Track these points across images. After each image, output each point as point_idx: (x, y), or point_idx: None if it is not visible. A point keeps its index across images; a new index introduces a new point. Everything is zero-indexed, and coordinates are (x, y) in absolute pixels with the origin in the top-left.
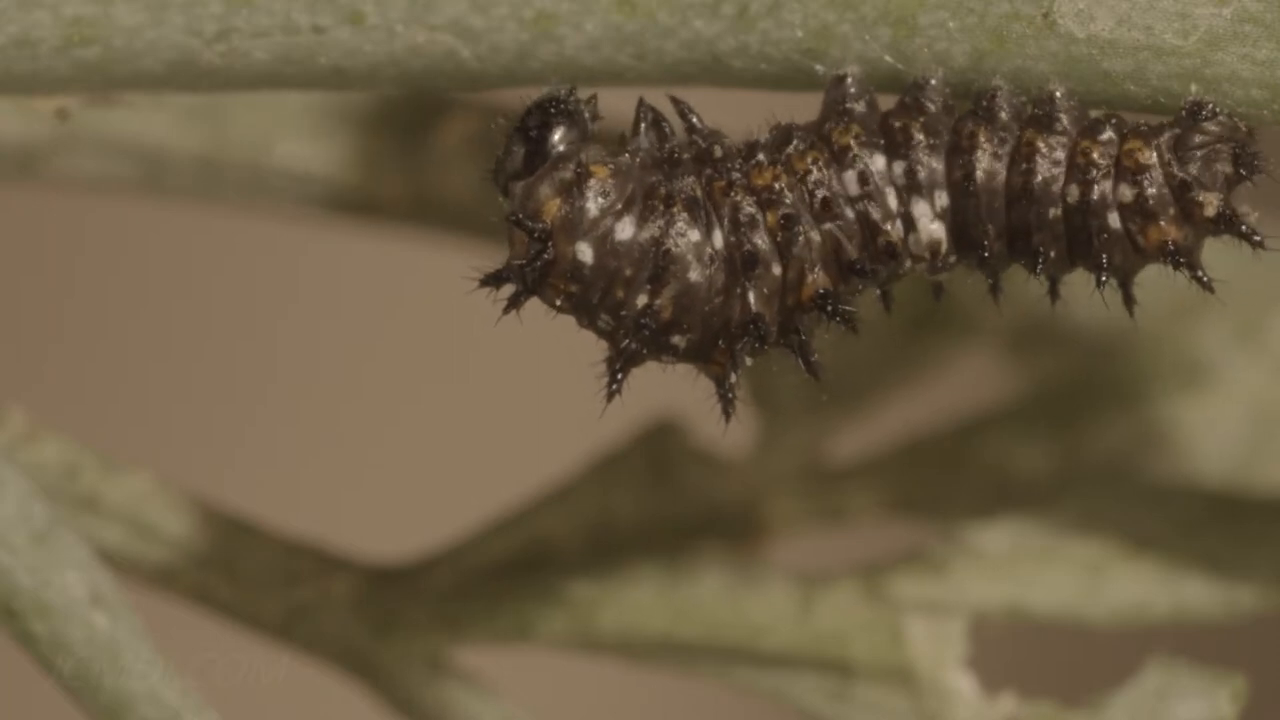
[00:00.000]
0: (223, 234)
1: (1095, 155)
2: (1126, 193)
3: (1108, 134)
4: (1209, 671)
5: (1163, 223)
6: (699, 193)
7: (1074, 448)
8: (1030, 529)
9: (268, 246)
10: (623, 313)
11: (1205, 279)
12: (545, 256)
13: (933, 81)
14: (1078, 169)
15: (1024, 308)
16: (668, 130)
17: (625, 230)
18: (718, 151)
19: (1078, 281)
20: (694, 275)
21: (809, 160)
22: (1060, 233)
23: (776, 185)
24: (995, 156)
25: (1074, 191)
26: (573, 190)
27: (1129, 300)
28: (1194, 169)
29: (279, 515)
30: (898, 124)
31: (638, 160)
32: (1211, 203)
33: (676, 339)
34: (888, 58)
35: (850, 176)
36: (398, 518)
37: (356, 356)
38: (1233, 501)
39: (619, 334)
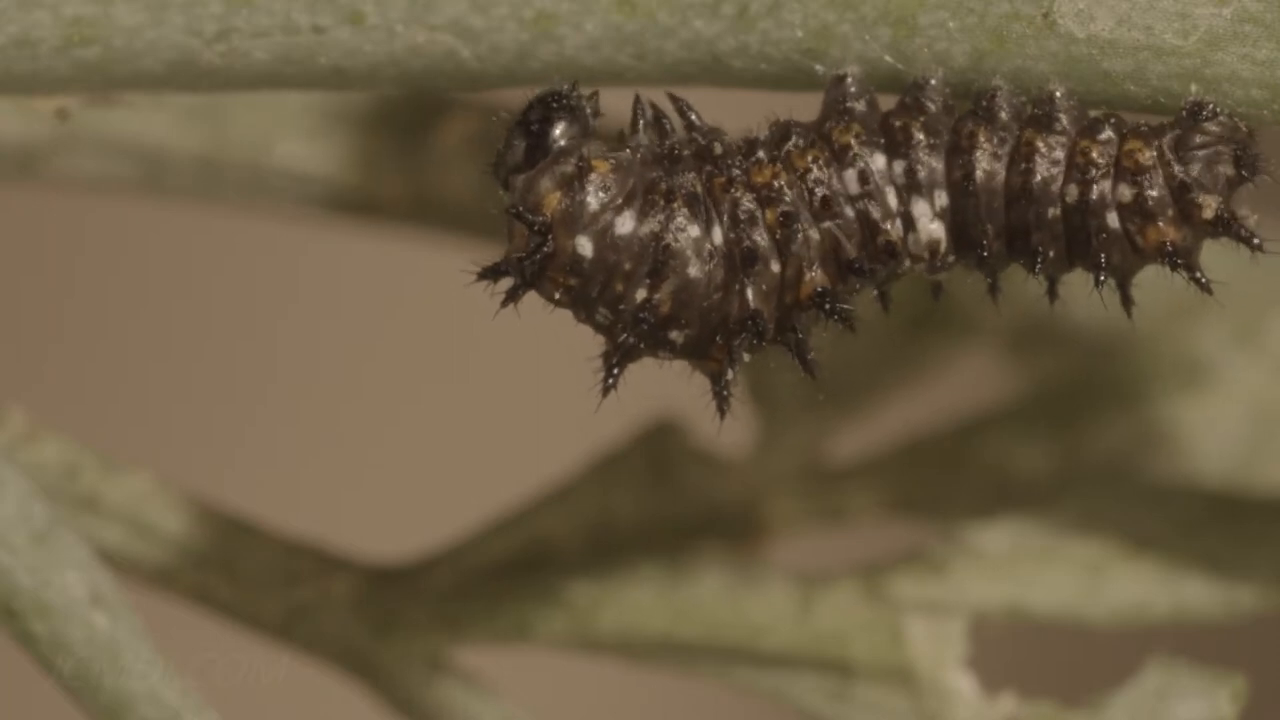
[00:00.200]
0: (223, 234)
1: (1094, 155)
2: (1126, 193)
3: (1107, 134)
4: (1209, 671)
5: (1161, 223)
6: (699, 189)
7: (1074, 448)
8: (1030, 529)
9: (268, 246)
10: (621, 307)
11: (1203, 280)
12: (545, 249)
13: (933, 81)
14: (1077, 169)
15: (1023, 307)
16: (668, 127)
17: (625, 224)
18: (717, 149)
19: (1077, 282)
20: (693, 270)
21: (809, 158)
22: (1059, 232)
23: (776, 183)
24: (995, 156)
25: (1073, 191)
26: (573, 184)
27: (1127, 301)
28: (1194, 170)
29: (279, 515)
30: (898, 123)
31: (638, 156)
32: (1210, 205)
33: (674, 334)
34: (888, 58)
35: (850, 175)
36: (398, 518)
37: (356, 356)
38: (1233, 501)
39: (617, 328)
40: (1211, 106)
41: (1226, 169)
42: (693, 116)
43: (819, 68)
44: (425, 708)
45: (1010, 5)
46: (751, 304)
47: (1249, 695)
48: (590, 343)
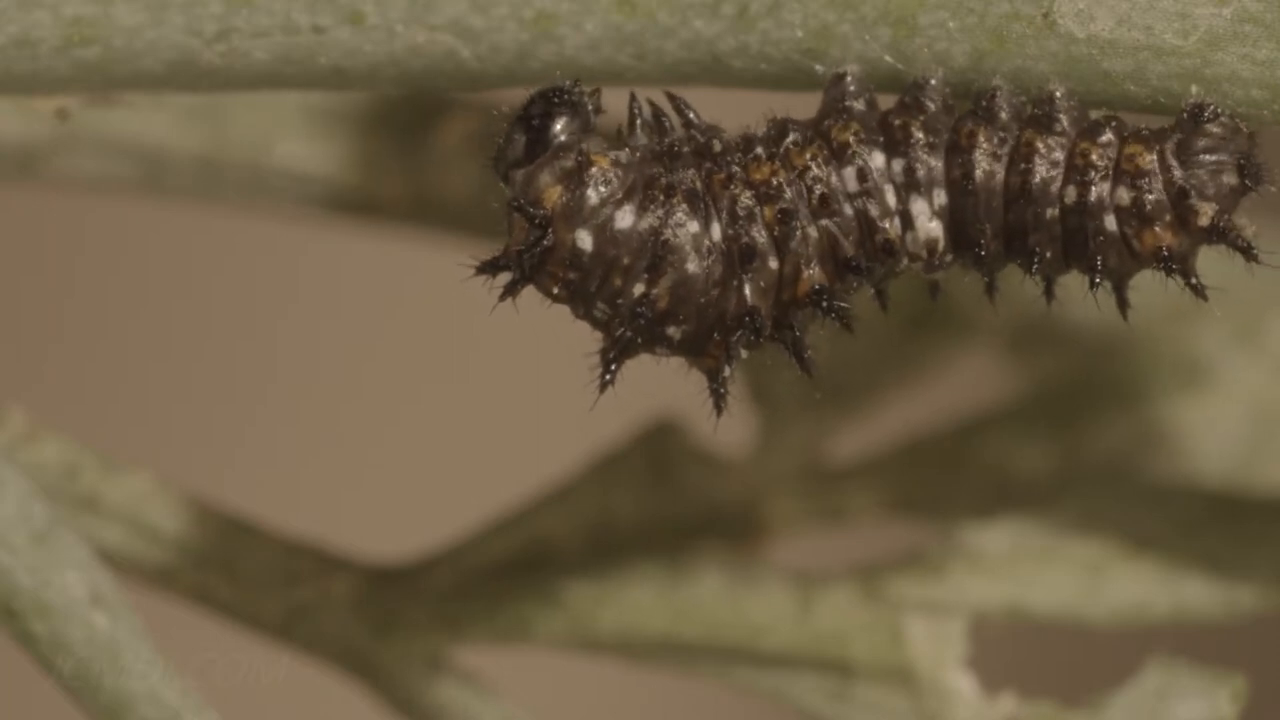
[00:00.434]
0: (223, 234)
1: (1094, 157)
2: (1124, 196)
3: (1107, 136)
4: (1209, 672)
5: (1158, 228)
6: (698, 185)
7: (1074, 448)
8: (1030, 529)
9: (268, 246)
10: (619, 301)
11: (1199, 286)
12: (544, 243)
13: (933, 81)
14: (1076, 170)
15: (1023, 307)
16: (666, 125)
17: (625, 219)
18: (716, 146)
19: (1075, 282)
20: (691, 266)
21: (807, 156)
22: (1057, 234)
23: (775, 180)
24: (994, 156)
25: (1071, 193)
26: (574, 178)
27: (1123, 304)
28: (1194, 177)
29: (279, 515)
30: (897, 122)
31: (638, 154)
32: (1207, 212)
33: (672, 330)
34: (888, 58)
35: (849, 173)
36: (398, 518)
37: (356, 357)
38: (1232, 501)
39: (614, 324)
40: (1212, 108)
41: (1231, 179)
42: (690, 114)
43: (819, 68)
44: (425, 708)
45: (1010, 5)
46: (749, 301)
47: (1249, 695)
48: (589, 342)
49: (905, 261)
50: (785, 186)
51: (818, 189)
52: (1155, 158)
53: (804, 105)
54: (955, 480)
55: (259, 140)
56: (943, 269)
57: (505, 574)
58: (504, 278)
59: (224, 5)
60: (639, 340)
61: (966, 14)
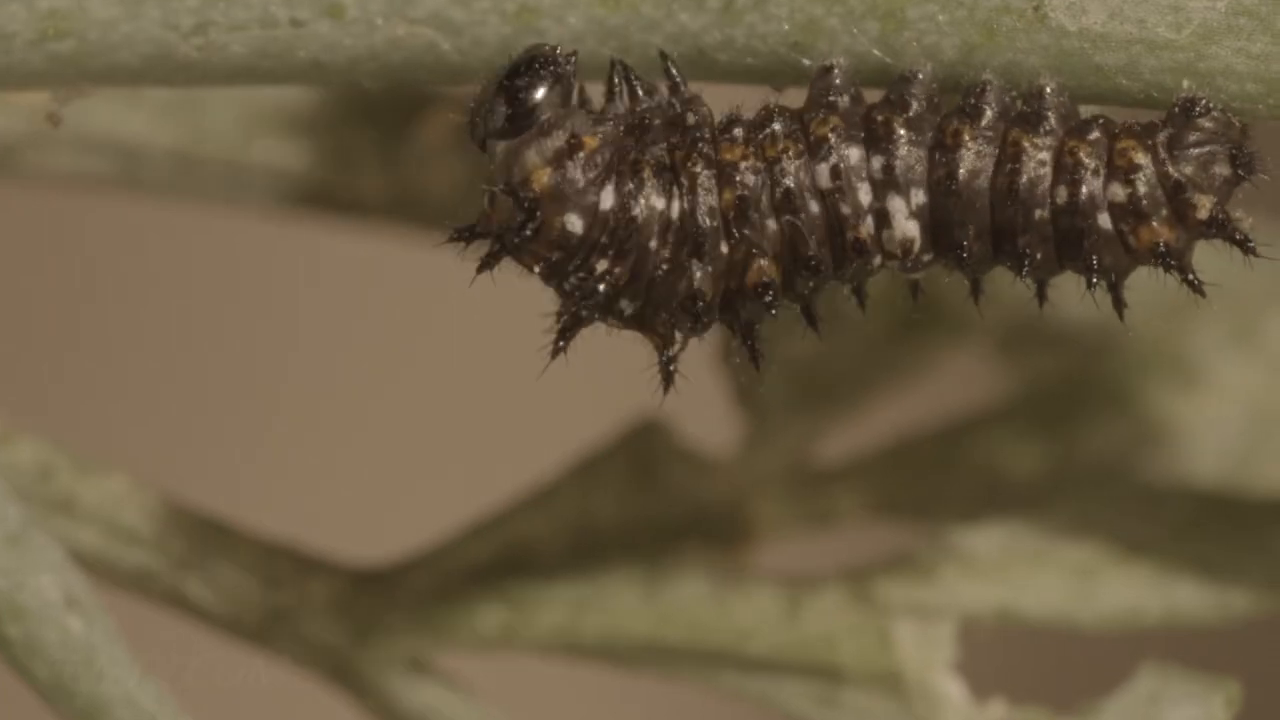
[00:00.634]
0: (199, 230)
1: (1083, 155)
2: (1119, 192)
3: (1096, 133)
4: (1202, 676)
5: (1155, 224)
6: (666, 159)
7: (1065, 449)
8: (1021, 531)
9: (245, 243)
10: (585, 275)
11: (1196, 281)
12: (532, 226)
13: (920, 76)
14: (1065, 169)
15: (1014, 307)
16: (640, 93)
17: (607, 200)
18: (690, 119)
19: (1068, 280)
20: (653, 243)
21: (779, 148)
22: (1048, 234)
23: (742, 164)
24: (979, 155)
25: (1062, 192)
26: (563, 161)
27: (1119, 303)
28: (1189, 169)
29: (257, 517)
30: (880, 118)
31: (618, 125)
32: (1205, 205)
33: (624, 303)
34: (876, 51)
35: (823, 169)
36: (377, 520)
37: (334, 357)
38: (1226, 504)
39: (576, 295)
40: (1204, 102)
41: (1223, 169)
42: (678, 80)
43: (806, 61)
44: (404, 712)
45: None
46: (695, 283)
47: (1243, 701)
48: (577, 344)
49: (878, 260)
50: (750, 173)
51: (786, 182)
52: (1148, 152)
53: (797, 101)
54: (945, 482)
55: (237, 135)
56: (920, 269)
57: (486, 577)
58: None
59: None
60: (595, 313)
61: (956, 7)
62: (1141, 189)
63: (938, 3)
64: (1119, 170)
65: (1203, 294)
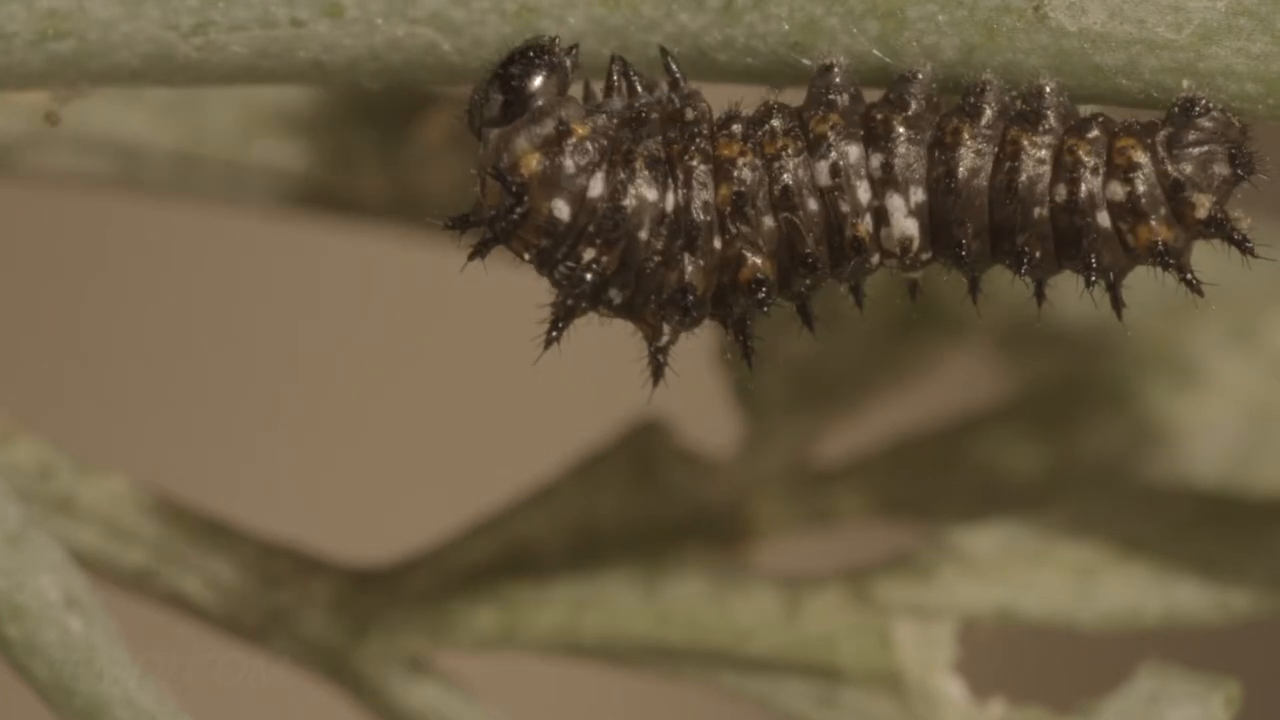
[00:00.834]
0: (199, 230)
1: (1082, 153)
2: (1118, 191)
3: (1095, 132)
4: (1202, 676)
5: (1153, 222)
6: (661, 153)
7: (1065, 449)
8: (1020, 531)
9: (245, 243)
10: (573, 263)
11: (1194, 281)
12: (520, 210)
13: (920, 76)
14: (1065, 167)
15: (1013, 307)
16: (639, 88)
17: (596, 188)
18: (689, 114)
19: (1067, 280)
20: (643, 234)
21: (778, 145)
22: (1047, 232)
23: (739, 161)
24: (978, 154)
25: (1061, 190)
26: (553, 146)
27: (1117, 302)
28: (1188, 168)
29: (256, 517)
30: (879, 116)
31: (613, 118)
32: (1204, 204)
33: (613, 292)
34: (876, 51)
35: (822, 167)
36: (378, 520)
37: (335, 356)
38: (1226, 504)
39: (567, 285)
40: (1204, 102)
41: (1222, 169)
42: (678, 76)
43: (806, 61)
44: (404, 712)
45: None
46: (687, 277)
47: (1243, 701)
48: (574, 342)
49: (877, 259)
50: (748, 170)
51: (783, 179)
52: (1147, 151)
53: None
54: (944, 482)
55: (236, 135)
56: (919, 268)
57: (486, 577)
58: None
59: None
60: (585, 303)
61: (956, 7)
62: (1140, 188)
63: (938, 3)
64: (1118, 169)
65: (1200, 293)
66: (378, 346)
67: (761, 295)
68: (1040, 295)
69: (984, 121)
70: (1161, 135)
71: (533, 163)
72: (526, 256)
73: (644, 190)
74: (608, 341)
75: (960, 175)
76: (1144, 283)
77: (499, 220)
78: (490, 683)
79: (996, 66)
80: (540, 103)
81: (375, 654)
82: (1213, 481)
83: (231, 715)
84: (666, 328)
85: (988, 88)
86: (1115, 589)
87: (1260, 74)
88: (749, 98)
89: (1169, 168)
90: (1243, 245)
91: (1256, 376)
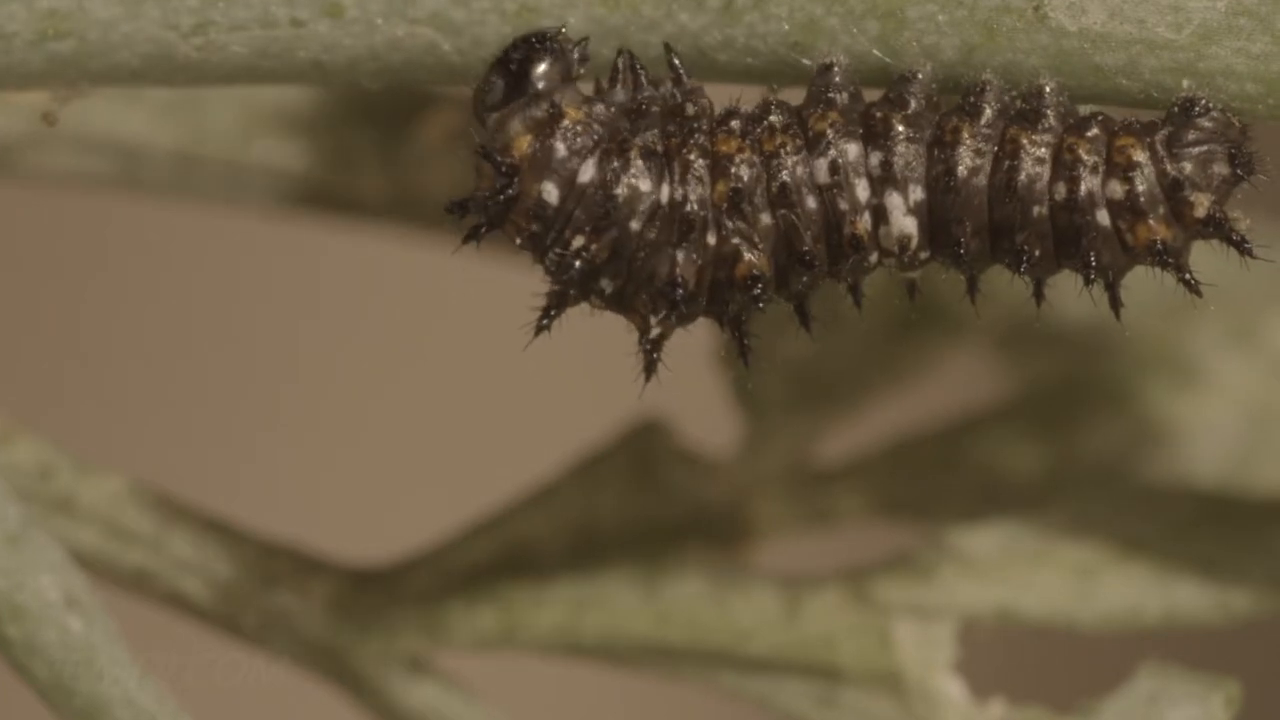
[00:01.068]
0: (200, 230)
1: (1082, 152)
2: (1117, 189)
3: (1094, 130)
4: (1202, 677)
5: (1152, 221)
6: (659, 146)
7: (1065, 449)
8: (1020, 531)
9: (245, 243)
10: (562, 249)
11: (1192, 281)
12: (509, 191)
13: (919, 75)
14: (1064, 166)
15: (1013, 306)
16: (644, 80)
17: (586, 173)
18: (690, 109)
19: (1066, 280)
20: (634, 224)
21: (777, 143)
22: (1046, 231)
23: (737, 157)
24: (978, 153)
25: (1061, 189)
26: (544, 129)
27: (1116, 302)
28: (1187, 168)
29: (256, 517)
30: (879, 114)
31: (612, 108)
32: (1202, 203)
33: (604, 282)
34: (876, 51)
35: (822, 164)
36: (378, 519)
37: (335, 356)
38: (1227, 504)
39: (558, 271)
40: (1204, 102)
41: (1222, 168)
42: (681, 72)
43: (806, 61)
44: (404, 712)
45: None
46: (678, 270)
47: (1243, 701)
48: (573, 342)
49: (876, 257)
50: (745, 166)
51: (781, 176)
52: (1146, 150)
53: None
54: (944, 482)
55: (236, 135)
56: (917, 267)
57: (486, 577)
58: (493, 271)
59: None
60: (574, 289)
61: (956, 7)
62: (1139, 186)
63: (938, 3)
64: (1117, 167)
65: (1199, 294)
66: (378, 346)
67: (757, 292)
68: (1039, 295)
69: (984, 120)
70: (1161, 134)
71: (524, 144)
72: (519, 241)
73: (637, 181)
74: (607, 341)
75: (960, 174)
76: (1143, 283)
77: (489, 202)
78: (490, 683)
79: (996, 66)
80: (540, 87)
81: (375, 654)
82: (1213, 481)
83: (231, 715)
84: (655, 320)
85: (987, 87)
86: (1115, 589)
87: (1260, 74)
88: (749, 98)
89: (1168, 167)
90: (1241, 246)
91: (1256, 376)
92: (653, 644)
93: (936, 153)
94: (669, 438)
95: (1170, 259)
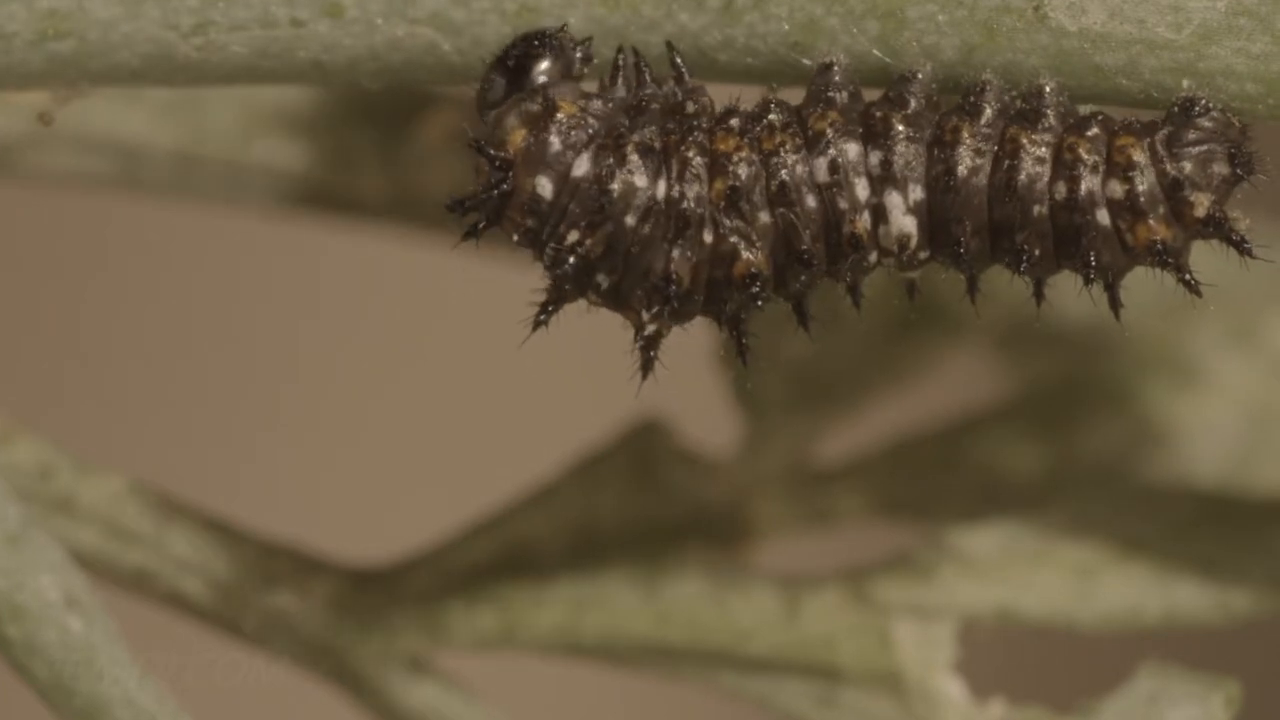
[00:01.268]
0: (200, 231)
1: (1082, 151)
2: (1117, 189)
3: (1095, 130)
4: (1202, 677)
5: (1152, 221)
6: (657, 143)
7: (1065, 449)
8: (1020, 531)
9: (245, 243)
10: (558, 245)
11: (1192, 281)
12: (504, 186)
13: (919, 75)
14: (1064, 165)
15: (1013, 306)
16: (646, 77)
17: (581, 168)
18: (690, 107)
19: (1066, 280)
20: (630, 219)
21: (777, 141)
22: (1046, 231)
23: (736, 156)
24: (978, 152)
25: (1061, 188)
26: (539, 123)
27: (1115, 302)
28: (1187, 167)
29: (257, 518)
30: (879, 114)
31: (610, 104)
32: (1202, 203)
33: (600, 277)
34: (876, 51)
35: (821, 163)
36: (378, 520)
37: (336, 356)
38: (1226, 504)
39: (552, 266)
40: (1204, 102)
41: (1222, 168)
42: (682, 70)
43: (806, 61)
44: (404, 712)
45: None
46: (672, 267)
47: (1243, 701)
48: (573, 342)
49: (875, 257)
50: (744, 165)
51: (779, 175)
52: (1146, 150)
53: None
54: (944, 482)
55: (236, 135)
56: (917, 266)
57: (486, 577)
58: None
59: None
60: (570, 284)
61: (956, 7)
62: (1139, 186)
63: (938, 3)
64: (1117, 167)
65: (1199, 294)
66: (378, 346)
67: (755, 290)
68: (1039, 295)
69: (984, 120)
70: (1161, 134)
71: (518, 139)
72: (515, 238)
73: (633, 176)
74: (607, 341)
75: (959, 173)
76: (1143, 283)
77: (484, 197)
78: (490, 683)
79: (996, 66)
80: (538, 83)
81: (375, 654)
82: (1213, 481)
83: (231, 715)
84: (649, 316)
85: (987, 87)
86: (1115, 589)
87: (1260, 74)
88: (748, 97)
89: (1168, 166)
90: (1241, 246)
91: (1256, 376)
92: (653, 644)
93: (936, 152)
94: (669, 438)
95: (1170, 259)
